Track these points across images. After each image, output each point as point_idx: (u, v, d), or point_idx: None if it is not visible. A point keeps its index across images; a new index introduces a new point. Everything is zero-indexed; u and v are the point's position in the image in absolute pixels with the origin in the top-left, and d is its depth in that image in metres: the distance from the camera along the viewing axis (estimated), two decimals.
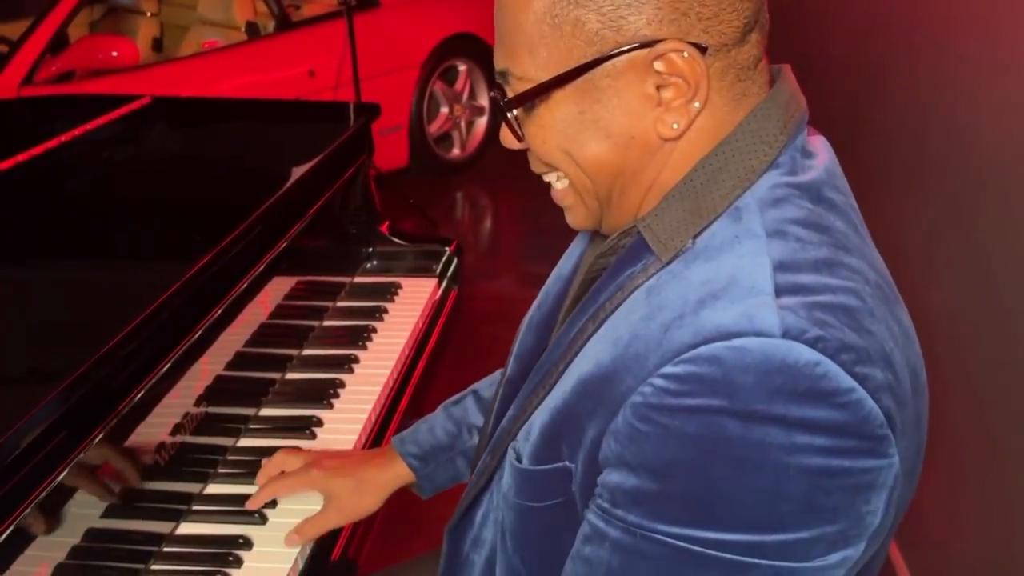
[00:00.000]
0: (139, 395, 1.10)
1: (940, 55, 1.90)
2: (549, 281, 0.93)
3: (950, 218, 1.77)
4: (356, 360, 1.54)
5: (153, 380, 1.13)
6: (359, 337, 1.59)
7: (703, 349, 0.59)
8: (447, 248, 1.88)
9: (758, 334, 0.59)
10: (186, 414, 1.24)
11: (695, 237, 0.67)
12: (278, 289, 1.54)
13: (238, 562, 1.10)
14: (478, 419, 1.08)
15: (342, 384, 1.47)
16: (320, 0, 4.15)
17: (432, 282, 1.81)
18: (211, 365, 1.34)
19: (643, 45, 0.65)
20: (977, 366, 1.62)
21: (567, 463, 0.71)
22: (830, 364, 0.58)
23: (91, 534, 1.04)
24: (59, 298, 1.22)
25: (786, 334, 0.59)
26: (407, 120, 4.10)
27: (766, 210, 0.66)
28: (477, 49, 4.33)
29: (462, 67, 4.34)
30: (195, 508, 1.20)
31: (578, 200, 0.75)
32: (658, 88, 0.66)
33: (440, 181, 4.37)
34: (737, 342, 0.59)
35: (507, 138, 0.75)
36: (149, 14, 4.11)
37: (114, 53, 3.23)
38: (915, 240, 1.96)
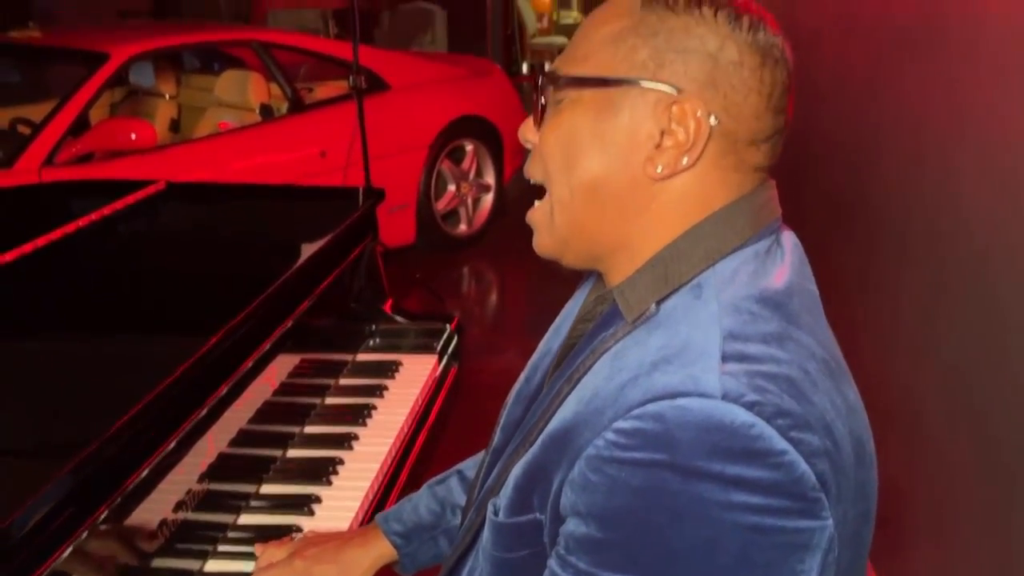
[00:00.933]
0: (144, 472, 1.14)
1: (924, 135, 1.98)
2: (536, 354, 0.97)
3: (940, 287, 1.82)
4: (356, 437, 1.58)
5: (159, 457, 1.17)
6: (359, 415, 1.64)
7: (650, 407, 0.65)
8: (448, 326, 1.93)
9: (700, 395, 0.64)
10: (188, 491, 1.27)
11: (658, 303, 0.73)
12: (283, 367, 1.59)
13: None
14: (462, 499, 1.10)
15: (341, 461, 1.51)
16: (332, 83, 4.31)
17: (432, 359, 1.86)
18: (215, 442, 1.38)
19: (671, 89, 0.73)
20: (966, 429, 1.64)
21: (538, 515, 0.75)
22: (765, 427, 0.63)
23: None
24: (72, 375, 1.27)
25: (725, 396, 0.64)
26: (415, 198, 4.21)
27: (724, 287, 0.72)
28: (483, 130, 4.46)
29: (469, 147, 4.47)
30: None
31: (548, 218, 0.80)
32: (662, 133, 0.73)
33: (447, 257, 4.46)
34: (680, 401, 0.64)
35: (527, 126, 0.82)
36: (168, 96, 4.26)
37: (133, 135, 3.35)
38: (908, 309, 2.00)
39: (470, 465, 1.15)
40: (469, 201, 4.53)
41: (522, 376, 0.98)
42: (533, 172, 0.82)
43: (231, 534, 1.33)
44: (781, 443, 0.63)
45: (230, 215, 1.96)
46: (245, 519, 1.37)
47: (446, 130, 4.27)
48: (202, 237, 1.82)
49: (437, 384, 1.83)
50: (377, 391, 1.72)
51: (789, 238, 0.80)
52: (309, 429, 1.61)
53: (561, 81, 0.77)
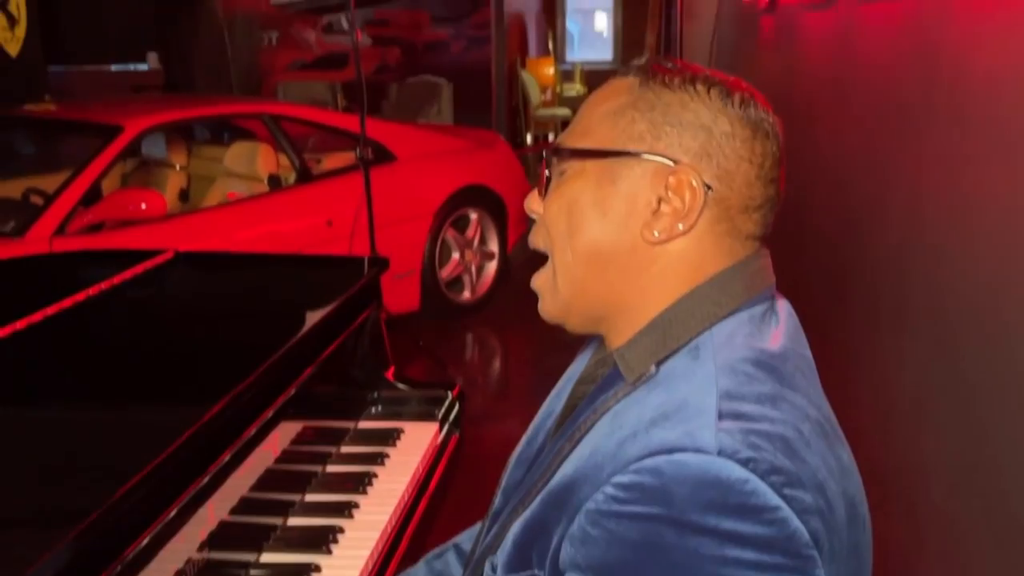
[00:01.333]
0: (145, 541, 1.14)
1: (919, 206, 2.02)
2: (538, 417, 0.99)
3: (940, 356, 1.83)
4: (356, 506, 1.58)
5: (160, 526, 1.17)
6: (360, 483, 1.64)
7: (647, 461, 0.67)
8: (450, 393, 1.94)
9: (696, 450, 0.66)
10: (188, 559, 1.27)
11: (658, 364, 0.76)
12: (285, 434, 1.60)
13: None
14: (459, 573, 1.12)
15: (341, 530, 1.51)
16: (340, 155, 4.40)
17: (434, 427, 1.87)
18: (216, 510, 1.38)
19: (668, 160, 0.78)
20: (965, 498, 1.63)
21: (536, 571, 0.77)
22: (759, 483, 0.65)
23: None
24: (74, 443, 1.28)
25: (721, 452, 0.66)
26: (420, 265, 4.25)
27: (720, 349, 0.75)
28: (487, 199, 4.54)
29: (473, 215, 4.54)
30: None
31: (551, 284, 0.84)
32: (659, 200, 0.78)
33: (450, 324, 4.48)
34: (677, 456, 0.66)
35: (532, 198, 0.87)
36: (178, 167, 4.35)
37: (143, 205, 3.42)
38: (909, 378, 2.01)
39: (467, 538, 1.16)
40: (473, 269, 4.58)
41: (524, 439, 1.00)
42: (537, 241, 0.87)
43: None
44: (775, 499, 0.65)
45: (237, 284, 1.99)
46: None
47: (451, 199, 4.35)
48: (208, 305, 1.85)
49: (438, 452, 1.83)
50: (378, 459, 1.73)
51: (784, 306, 0.83)
52: (310, 497, 1.61)
53: (564, 153, 0.83)
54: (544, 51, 10.93)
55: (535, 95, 9.32)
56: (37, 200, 3.55)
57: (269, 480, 1.54)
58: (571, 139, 0.84)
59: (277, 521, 1.53)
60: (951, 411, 1.77)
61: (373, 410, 1.93)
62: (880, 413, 2.11)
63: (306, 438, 1.70)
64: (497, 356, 4.61)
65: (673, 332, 0.77)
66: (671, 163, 0.77)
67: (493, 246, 4.64)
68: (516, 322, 4.53)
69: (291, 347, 1.58)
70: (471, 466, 2.18)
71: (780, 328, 0.79)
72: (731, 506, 0.64)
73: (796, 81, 3.06)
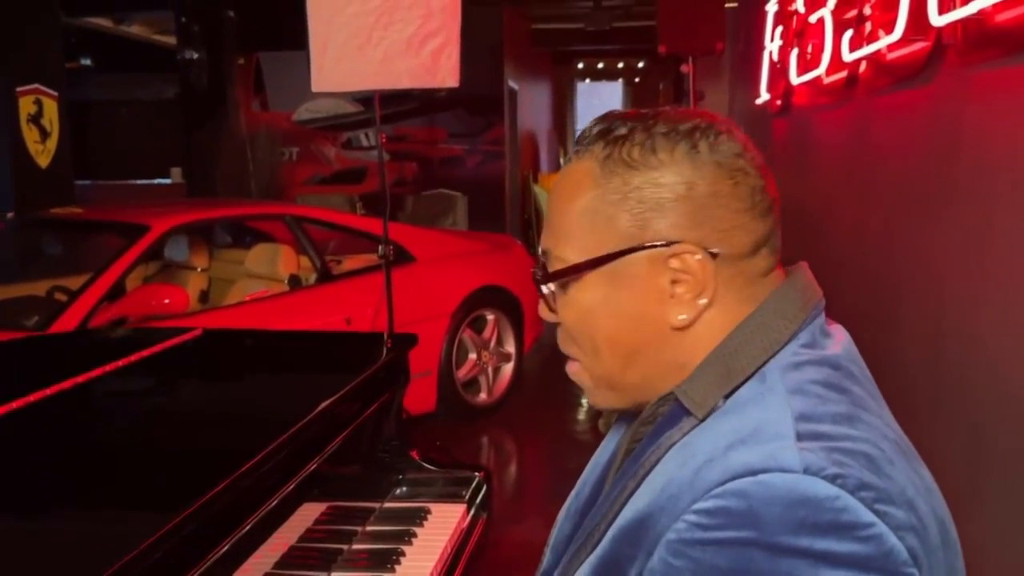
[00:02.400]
0: None
1: (944, 291, 2.02)
2: (586, 471, 0.96)
3: (978, 440, 1.79)
4: None
5: None
6: (387, 560, 1.58)
7: (730, 485, 0.63)
8: (477, 475, 1.90)
9: (781, 470, 0.63)
10: None
11: (726, 397, 0.73)
12: (309, 514, 1.56)
13: None
14: None
15: None
16: (359, 257, 4.46)
17: (461, 508, 1.82)
18: None
19: (664, 244, 0.75)
20: None
21: None
22: (849, 499, 0.62)
23: None
24: (88, 508, 1.25)
25: (807, 470, 0.63)
26: (436, 365, 4.24)
27: (788, 373, 0.72)
28: (504, 300, 4.56)
29: (490, 316, 4.55)
30: None
31: (593, 384, 0.83)
32: (672, 283, 0.76)
33: (467, 425, 4.43)
34: (762, 477, 0.63)
35: (543, 310, 0.84)
36: (200, 269, 4.42)
37: (166, 301, 3.44)
38: (950, 467, 1.96)
39: None
40: (490, 370, 4.55)
41: (571, 494, 0.96)
42: (566, 347, 0.84)
43: None
44: (868, 515, 0.62)
45: (264, 359, 1.98)
46: None
47: (468, 299, 4.37)
48: (234, 379, 1.84)
49: (466, 533, 1.78)
50: (405, 537, 1.68)
51: (837, 327, 0.81)
52: (336, 575, 1.55)
53: (560, 273, 0.79)
54: (556, 166, 11.25)
55: (547, 208, 9.52)
56: (61, 297, 3.59)
57: (294, 558, 1.49)
58: (557, 246, 0.80)
59: None
60: (992, 500, 1.71)
61: (398, 491, 1.88)
62: None
63: (331, 517, 1.65)
64: (514, 458, 4.52)
65: (736, 364, 0.74)
66: (667, 246, 0.75)
67: (510, 347, 4.63)
68: (533, 425, 4.48)
69: (315, 416, 1.56)
70: (492, 570, 2.11)
71: (839, 346, 0.77)
72: (823, 525, 0.61)
73: (812, 180, 3.12)
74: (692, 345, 0.77)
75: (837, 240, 2.73)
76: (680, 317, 0.76)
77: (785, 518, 0.61)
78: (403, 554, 1.62)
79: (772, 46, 3.47)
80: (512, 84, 8.65)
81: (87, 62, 9.69)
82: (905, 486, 0.66)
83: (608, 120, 0.81)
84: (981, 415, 1.81)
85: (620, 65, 12.10)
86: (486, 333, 4.55)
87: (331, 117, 8.27)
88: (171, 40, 8.52)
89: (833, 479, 0.62)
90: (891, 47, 2.21)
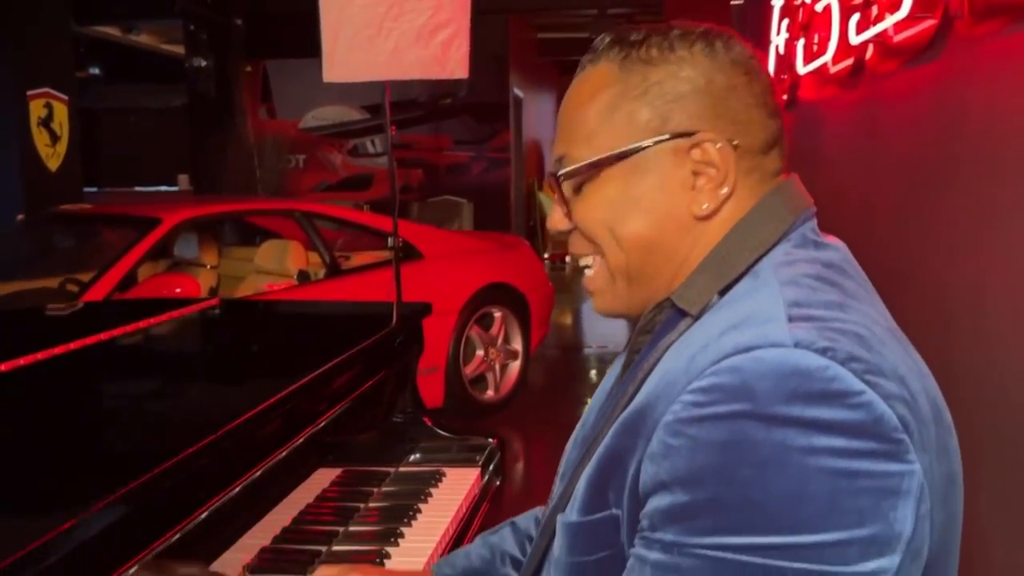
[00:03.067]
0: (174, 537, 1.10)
1: (952, 269, 2.04)
2: (592, 399, 0.97)
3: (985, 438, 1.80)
4: (402, 535, 1.53)
5: (192, 525, 1.13)
6: (403, 515, 1.60)
7: (723, 363, 0.65)
8: (490, 441, 1.91)
9: (772, 345, 0.65)
10: None
11: (720, 293, 0.76)
12: (323, 479, 1.57)
13: None
14: (513, 548, 1.10)
15: (388, 555, 1.46)
16: (368, 253, 4.50)
17: (475, 472, 1.83)
18: (256, 537, 1.34)
19: (684, 135, 0.77)
20: None
21: (614, 510, 0.73)
22: (839, 368, 0.63)
23: None
24: (104, 435, 1.27)
25: (797, 344, 0.64)
26: (444, 362, 4.26)
27: (780, 269, 0.74)
28: (511, 298, 4.59)
29: (497, 314, 4.57)
30: None
31: (608, 282, 0.83)
32: (693, 174, 0.78)
33: (473, 424, 4.44)
34: (754, 353, 0.65)
35: (556, 219, 0.85)
36: (209, 266, 4.45)
37: (177, 290, 3.48)
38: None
39: (524, 517, 1.14)
40: (497, 367, 4.57)
41: (579, 423, 0.97)
42: (579, 248, 0.85)
43: None
44: (858, 384, 0.63)
45: (279, 324, 2.01)
46: None
47: (475, 296, 4.40)
48: (250, 340, 1.87)
49: (480, 497, 1.79)
50: (421, 495, 1.69)
51: (832, 237, 0.83)
52: (354, 528, 1.57)
53: (579, 170, 0.80)
54: None
55: None
56: (73, 288, 3.62)
57: (309, 515, 1.50)
58: (575, 148, 0.81)
59: (321, 548, 1.49)
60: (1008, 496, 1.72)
61: (413, 457, 1.90)
62: None
63: (346, 480, 1.67)
64: (521, 456, 4.53)
65: (729, 264, 0.76)
66: (689, 137, 0.76)
67: (517, 345, 4.65)
68: (539, 423, 4.48)
69: (326, 370, 1.56)
70: None
71: (832, 250, 0.79)
72: (815, 394, 0.62)
73: (820, 172, 3.15)
74: (710, 237, 0.79)
75: (846, 232, 2.76)
76: (704, 206, 0.77)
77: (777, 389, 0.62)
78: (419, 511, 1.64)
79: (778, 39, 3.51)
80: (518, 92, 8.72)
81: (96, 71, 9.78)
82: (896, 364, 0.68)
83: (617, 31, 0.82)
84: (990, 392, 1.82)
85: None
86: (493, 330, 4.57)
87: (337, 124, 8.34)
88: (179, 49, 8.62)
89: (823, 351, 0.64)
90: (897, 28, 2.25)
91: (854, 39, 2.47)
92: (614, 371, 0.96)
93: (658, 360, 0.75)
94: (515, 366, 4.64)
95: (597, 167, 0.80)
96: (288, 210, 4.43)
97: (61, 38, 6.35)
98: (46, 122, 6.07)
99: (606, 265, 0.82)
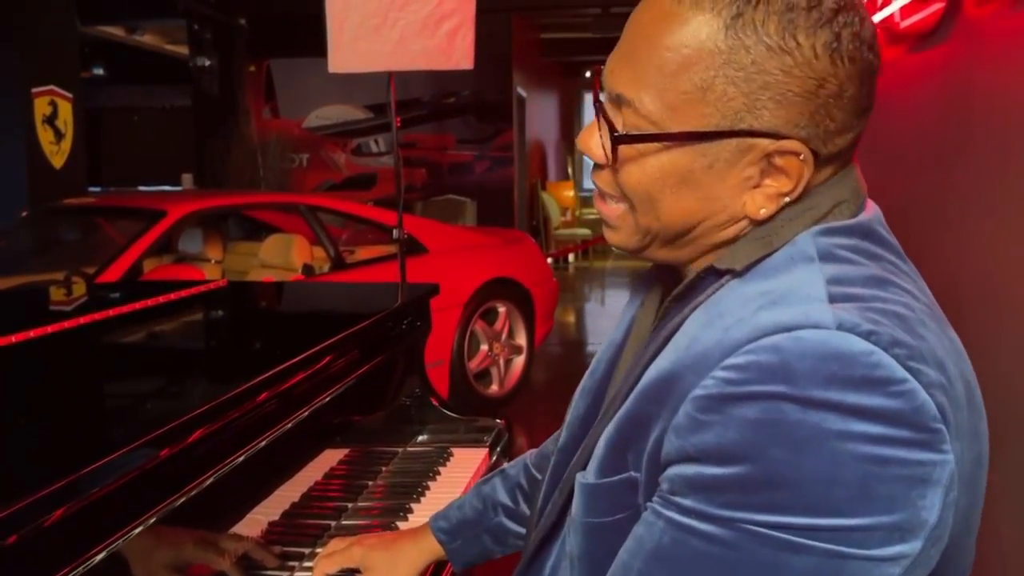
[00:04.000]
0: (180, 501, 1.10)
1: (963, 244, 2.04)
2: (601, 350, 0.95)
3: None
4: (411, 510, 1.53)
5: (196, 490, 1.12)
6: (412, 492, 1.60)
7: (763, 340, 0.63)
8: (498, 422, 1.91)
9: (815, 326, 0.62)
10: (237, 552, 1.24)
11: (758, 261, 0.71)
12: (330, 459, 1.57)
13: None
14: (504, 498, 1.13)
15: (396, 529, 1.46)
16: (372, 247, 4.50)
17: (483, 451, 1.83)
18: (264, 515, 1.34)
19: (772, 136, 0.69)
20: None
21: (632, 473, 0.72)
22: (883, 355, 0.61)
23: None
24: (105, 404, 1.28)
25: (840, 327, 0.62)
26: (449, 356, 4.26)
27: (818, 239, 0.71)
28: (515, 293, 4.59)
29: (502, 308, 4.58)
30: None
31: (630, 228, 0.77)
32: (762, 172, 0.71)
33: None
34: (796, 333, 0.62)
35: (592, 146, 0.75)
36: (214, 261, 4.45)
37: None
38: None
39: (513, 465, 1.17)
40: (501, 362, 4.57)
41: (587, 373, 0.95)
42: (605, 186, 0.77)
43: None
44: (900, 372, 0.61)
45: (286, 303, 2.01)
46: None
47: (480, 291, 4.40)
48: (257, 318, 1.87)
49: (488, 472, 1.79)
50: (429, 473, 1.69)
51: (869, 202, 0.78)
52: (363, 504, 1.57)
53: (650, 137, 0.71)
54: (563, 175, 11.31)
55: (555, 215, 9.57)
56: (78, 281, 3.62)
57: (319, 490, 1.50)
58: (640, 92, 0.70)
59: (330, 523, 1.49)
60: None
61: (420, 438, 1.90)
62: None
63: (353, 458, 1.67)
64: (524, 452, 4.53)
65: (778, 237, 0.72)
66: (776, 139, 0.69)
67: (521, 340, 4.65)
68: (544, 417, 4.48)
69: (335, 342, 1.55)
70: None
71: (871, 210, 0.76)
72: (856, 379, 0.60)
73: None
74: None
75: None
76: (762, 211, 0.72)
77: (818, 372, 0.60)
78: (427, 488, 1.64)
79: None
80: (521, 92, 8.73)
81: (100, 72, 9.80)
82: (935, 346, 0.66)
83: None
84: (1001, 365, 1.82)
85: None
86: (497, 325, 4.57)
87: (341, 124, 8.35)
88: (182, 50, 8.64)
89: (867, 335, 0.62)
90: (904, 12, 2.25)
91: None
92: (623, 324, 0.92)
93: (684, 319, 0.73)
94: (519, 361, 4.64)
95: (668, 139, 0.71)
96: (292, 203, 4.44)
97: (66, 37, 6.37)
98: (50, 120, 6.08)
99: (634, 221, 0.76)
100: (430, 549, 1.14)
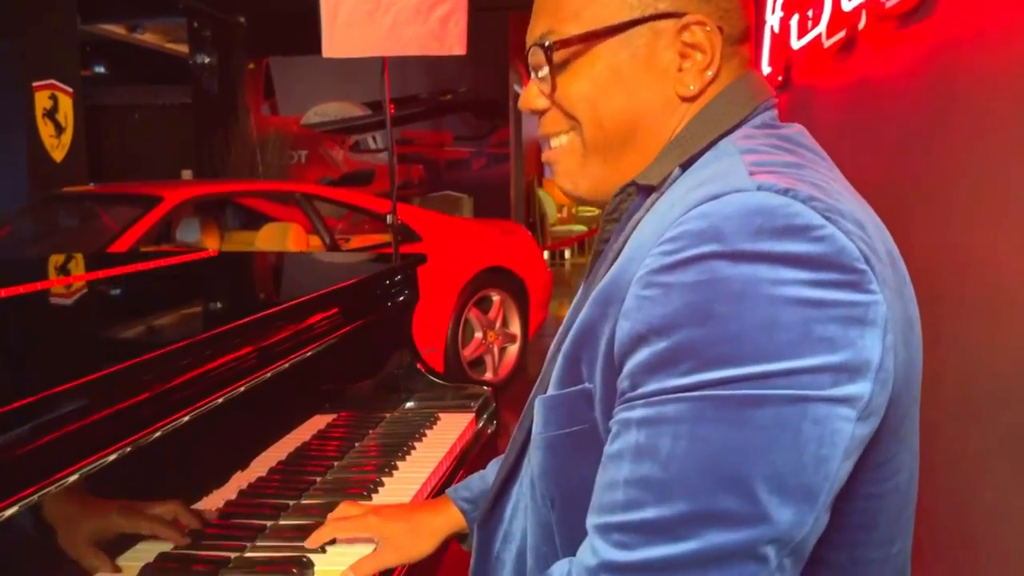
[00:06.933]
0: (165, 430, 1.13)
1: (947, 220, 2.07)
2: (575, 299, 0.97)
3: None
4: (396, 467, 1.57)
5: (176, 423, 1.14)
6: (398, 451, 1.63)
7: (693, 211, 0.67)
8: (485, 389, 1.94)
9: (737, 191, 0.67)
10: (227, 503, 1.27)
11: (682, 167, 0.78)
12: (319, 423, 1.60)
13: None
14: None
15: (382, 483, 1.49)
16: (367, 236, 4.53)
17: (470, 416, 1.87)
18: (252, 473, 1.37)
19: (676, 15, 0.79)
20: None
21: (587, 384, 0.75)
22: (801, 206, 0.66)
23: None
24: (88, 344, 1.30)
25: (760, 188, 0.67)
26: (443, 343, 4.29)
27: (739, 141, 0.77)
28: (509, 282, 4.62)
29: (496, 297, 4.61)
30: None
31: (579, 160, 0.84)
32: (680, 55, 0.79)
33: None
34: (721, 199, 0.67)
35: (531, 96, 0.86)
36: (211, 249, 4.49)
37: None
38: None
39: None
40: (495, 350, 4.60)
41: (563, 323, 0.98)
42: (553, 126, 0.85)
43: (263, 543, 1.30)
44: (819, 219, 0.65)
45: (276, 269, 2.04)
46: (286, 521, 1.35)
47: (474, 279, 4.43)
48: (246, 282, 1.90)
49: (473, 440, 1.82)
50: (416, 435, 1.73)
51: (796, 124, 0.84)
52: (349, 461, 1.60)
53: (571, 40, 0.80)
54: None
55: (551, 212, 9.60)
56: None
57: (305, 449, 1.53)
58: (561, 24, 0.81)
59: (316, 477, 1.52)
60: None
61: (408, 405, 1.93)
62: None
63: (342, 422, 1.70)
64: None
65: (691, 146, 0.79)
66: (679, 18, 0.78)
67: (515, 329, 4.68)
68: None
69: (323, 294, 1.58)
70: None
71: (794, 129, 0.81)
72: (779, 229, 0.64)
73: (817, 114, 3.17)
74: (685, 123, 0.80)
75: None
76: (691, 87, 0.79)
77: (743, 227, 0.64)
78: (413, 448, 1.67)
79: (773, 19, 3.55)
80: (517, 89, 8.77)
81: (101, 70, 9.85)
82: (855, 210, 0.70)
83: None
84: (979, 340, 1.85)
85: None
86: (491, 313, 4.60)
87: (339, 121, 8.39)
88: (183, 48, 8.68)
89: (785, 192, 0.66)
90: None
91: (846, 5, 2.51)
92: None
93: (627, 238, 0.77)
94: (513, 349, 4.67)
95: (589, 40, 0.80)
96: (288, 192, 4.47)
97: (67, 32, 6.42)
98: (51, 113, 6.12)
99: (581, 141, 0.83)
100: (450, 520, 1.12)
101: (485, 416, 1.92)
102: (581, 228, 9.49)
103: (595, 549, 0.67)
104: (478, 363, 4.56)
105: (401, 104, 7.80)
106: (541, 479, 0.82)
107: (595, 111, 0.81)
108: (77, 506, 0.97)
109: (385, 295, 1.87)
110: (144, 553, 1.09)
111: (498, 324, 4.62)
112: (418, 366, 1.95)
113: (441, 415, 1.85)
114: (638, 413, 0.66)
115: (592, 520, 0.69)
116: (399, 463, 1.59)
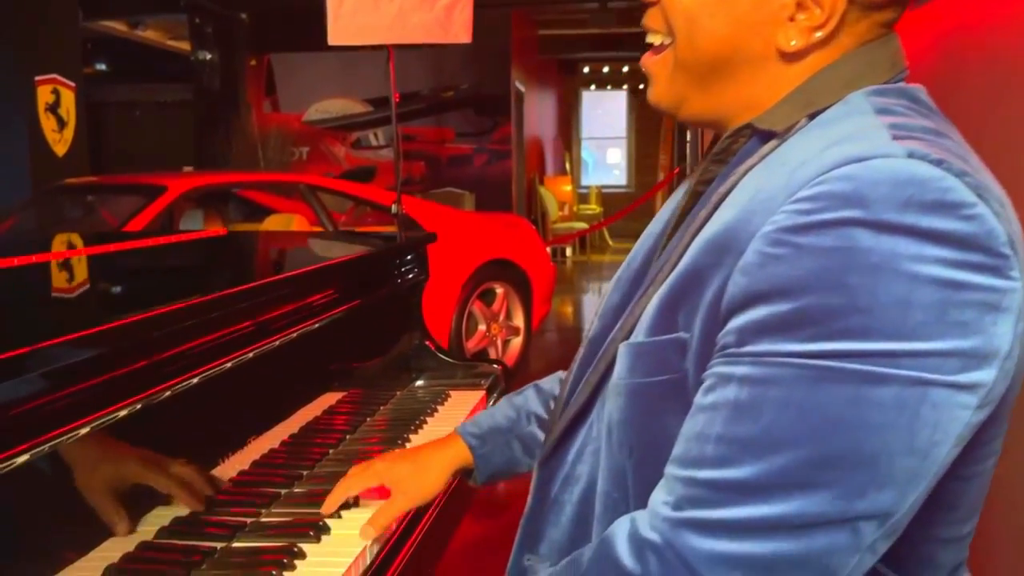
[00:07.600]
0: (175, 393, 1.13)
1: None
2: (638, 243, 0.93)
3: None
4: (408, 440, 1.56)
5: (187, 381, 1.13)
6: (410, 425, 1.63)
7: (834, 171, 0.62)
8: (496, 367, 1.94)
9: (886, 156, 0.62)
10: (233, 478, 1.26)
11: (809, 117, 0.72)
12: (329, 400, 1.59)
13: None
14: (538, 407, 1.10)
15: None
16: (372, 228, 4.53)
17: (480, 393, 1.86)
18: (264, 444, 1.37)
19: None
20: None
21: (682, 333, 0.71)
22: (954, 180, 0.61)
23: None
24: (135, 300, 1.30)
25: (911, 155, 0.62)
26: (447, 336, 4.28)
27: (871, 97, 0.71)
28: (513, 274, 4.62)
29: (499, 290, 4.61)
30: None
31: (670, 72, 0.79)
32: (797, 5, 0.72)
33: None
34: (867, 162, 0.62)
35: None
36: None
37: None
38: None
39: (548, 380, 1.15)
40: (499, 343, 4.60)
41: (624, 263, 0.94)
42: (654, 23, 0.80)
43: (277, 509, 1.29)
44: (971, 196, 0.61)
45: (285, 245, 2.04)
46: (300, 488, 1.35)
47: (478, 272, 4.43)
48: (256, 256, 1.90)
49: None
50: (427, 410, 1.72)
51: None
52: (361, 434, 1.60)
53: None
54: (561, 171, 11.36)
55: (553, 209, 9.61)
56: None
57: (316, 423, 1.53)
58: None
59: (328, 449, 1.51)
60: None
61: (418, 382, 1.92)
62: None
63: (352, 399, 1.70)
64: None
65: (818, 96, 0.73)
66: None
67: (519, 321, 4.68)
68: None
69: (332, 264, 1.58)
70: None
71: (920, 90, 0.75)
72: (929, 203, 0.60)
73: None
74: (790, 81, 0.75)
75: None
76: (792, 42, 0.73)
77: (892, 196, 0.60)
78: (424, 423, 1.67)
79: None
80: (519, 86, 8.77)
81: (103, 67, 9.85)
82: (999, 189, 0.66)
83: None
84: None
85: (625, 70, 12.27)
86: (495, 306, 4.60)
87: (341, 118, 8.39)
88: (184, 46, 8.68)
89: (938, 163, 0.62)
90: None
91: None
92: (663, 217, 0.91)
93: (734, 185, 0.73)
94: (517, 342, 4.67)
95: None
96: (292, 183, 4.47)
97: (69, 27, 6.41)
98: (53, 108, 6.11)
99: (674, 54, 0.79)
100: (457, 456, 1.10)
101: (496, 394, 1.91)
102: (582, 225, 9.49)
103: (676, 502, 0.65)
104: (481, 356, 4.55)
105: (403, 100, 7.79)
106: (620, 426, 0.78)
107: (691, 28, 0.76)
108: (94, 456, 0.97)
109: (396, 271, 1.87)
110: (159, 518, 1.09)
111: (502, 317, 4.62)
112: (428, 345, 1.94)
113: (452, 392, 1.85)
114: (743, 370, 0.63)
115: (674, 470, 0.67)
116: (411, 436, 1.58)
